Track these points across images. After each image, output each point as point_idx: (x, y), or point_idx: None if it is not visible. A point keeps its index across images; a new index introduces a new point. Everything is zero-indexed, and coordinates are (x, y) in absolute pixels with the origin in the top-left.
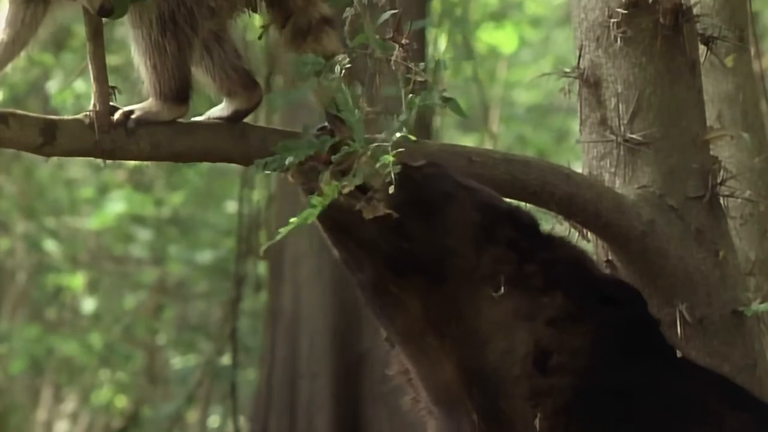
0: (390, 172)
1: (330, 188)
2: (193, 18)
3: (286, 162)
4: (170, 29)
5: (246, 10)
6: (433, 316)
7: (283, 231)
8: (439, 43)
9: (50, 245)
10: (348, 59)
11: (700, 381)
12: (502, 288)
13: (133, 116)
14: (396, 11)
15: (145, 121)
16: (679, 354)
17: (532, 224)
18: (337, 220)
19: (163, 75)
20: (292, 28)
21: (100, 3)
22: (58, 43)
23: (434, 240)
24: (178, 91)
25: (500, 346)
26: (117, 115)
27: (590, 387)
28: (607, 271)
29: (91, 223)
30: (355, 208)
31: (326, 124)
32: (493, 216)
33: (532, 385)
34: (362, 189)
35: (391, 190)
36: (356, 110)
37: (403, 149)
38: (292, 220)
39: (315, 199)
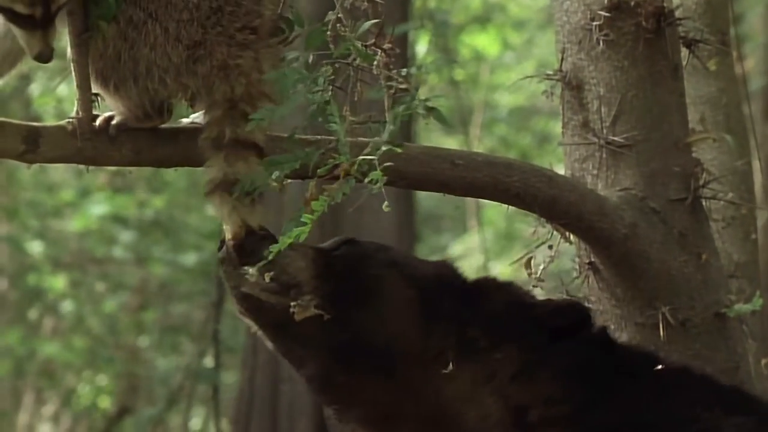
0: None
1: (318, 203)
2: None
3: (273, 176)
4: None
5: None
6: (392, 402)
7: (274, 249)
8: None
9: (34, 247)
10: (331, 69)
11: (686, 391)
12: (450, 365)
13: (113, 122)
14: (378, 20)
15: (125, 127)
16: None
17: (460, 279)
18: (271, 319)
19: (131, 102)
20: (204, 135)
21: (37, 52)
22: None
23: (376, 327)
24: (153, 110)
25: (472, 416)
26: (98, 121)
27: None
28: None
29: (73, 225)
30: (285, 308)
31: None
32: (427, 288)
33: None
34: (287, 285)
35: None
36: (342, 120)
37: (390, 163)
38: (284, 237)
39: (306, 217)
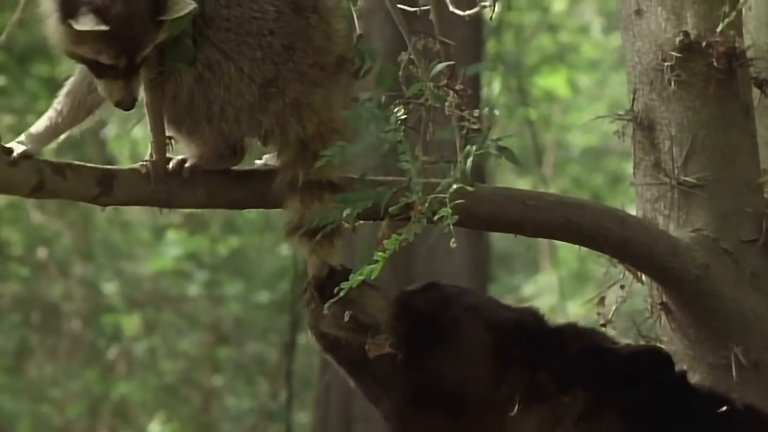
0: (449, 224)
1: (390, 242)
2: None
3: (344, 214)
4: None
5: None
6: None
7: (345, 286)
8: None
9: (108, 287)
10: (403, 109)
11: None
12: (517, 407)
13: (187, 165)
14: (451, 62)
15: (199, 169)
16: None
17: (541, 325)
18: (349, 357)
19: (206, 144)
20: (280, 177)
21: (118, 99)
22: None
23: (449, 370)
24: (227, 150)
25: None
26: (172, 164)
27: None
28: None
29: (149, 266)
30: (362, 346)
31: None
32: (503, 333)
33: None
34: (365, 324)
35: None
36: (414, 160)
37: (461, 200)
38: (355, 275)
39: (378, 255)
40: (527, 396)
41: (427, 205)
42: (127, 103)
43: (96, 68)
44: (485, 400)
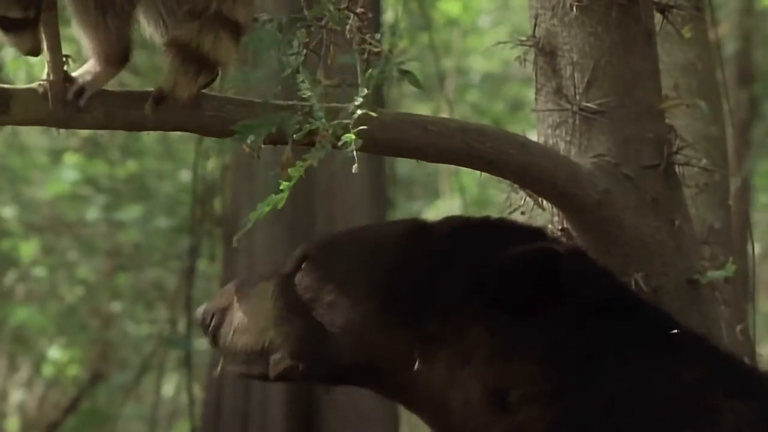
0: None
1: (295, 169)
2: None
3: (248, 140)
4: (110, 11)
5: None
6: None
7: (253, 216)
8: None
9: (7, 212)
10: (305, 32)
11: (690, 367)
12: (417, 364)
13: (84, 95)
14: None
15: (92, 93)
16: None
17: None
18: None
19: (107, 41)
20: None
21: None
22: None
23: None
24: (119, 54)
25: (457, 400)
26: (70, 94)
27: (564, 409)
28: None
29: (46, 191)
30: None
31: None
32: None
33: (502, 427)
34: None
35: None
36: (316, 84)
37: (364, 126)
38: (262, 204)
39: (284, 184)
40: (423, 347)
41: (331, 131)
42: (37, 50)
43: (3, 24)
44: (389, 362)
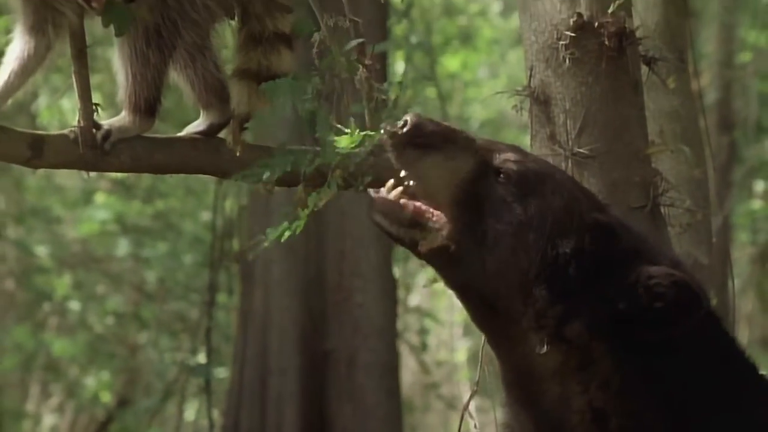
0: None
1: (312, 198)
2: (177, 30)
3: (264, 176)
4: (155, 40)
5: (225, 17)
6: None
7: (271, 236)
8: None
9: (41, 250)
10: (319, 80)
11: None
12: (545, 347)
13: (110, 139)
14: (361, 40)
15: (119, 140)
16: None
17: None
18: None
19: (142, 85)
20: (246, 32)
21: None
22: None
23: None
24: (150, 104)
25: (555, 391)
26: (98, 140)
27: None
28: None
29: (78, 230)
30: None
31: None
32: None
33: None
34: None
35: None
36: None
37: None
38: (273, 229)
39: (302, 213)
40: (556, 335)
41: (339, 171)
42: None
43: None
44: (515, 315)
